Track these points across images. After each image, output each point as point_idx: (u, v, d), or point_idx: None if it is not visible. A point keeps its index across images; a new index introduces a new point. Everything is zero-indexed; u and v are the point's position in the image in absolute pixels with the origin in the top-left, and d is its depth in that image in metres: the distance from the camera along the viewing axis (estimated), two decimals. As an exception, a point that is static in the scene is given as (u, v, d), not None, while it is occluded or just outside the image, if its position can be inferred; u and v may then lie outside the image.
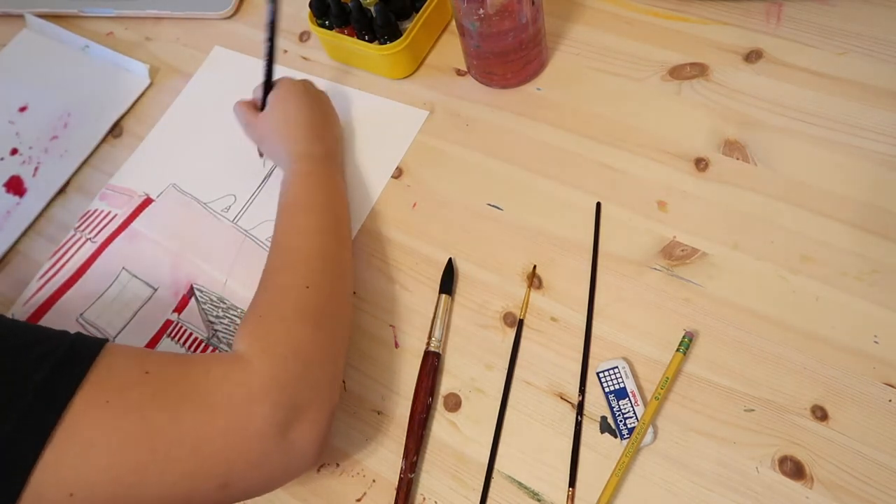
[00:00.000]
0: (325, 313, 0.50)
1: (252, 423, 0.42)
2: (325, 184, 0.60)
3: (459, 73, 0.70)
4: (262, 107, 0.65)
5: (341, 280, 0.55)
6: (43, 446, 0.38)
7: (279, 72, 0.67)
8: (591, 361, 0.53)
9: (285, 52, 0.77)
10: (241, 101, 0.66)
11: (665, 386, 0.50)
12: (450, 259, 0.60)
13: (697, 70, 0.64)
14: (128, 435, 0.40)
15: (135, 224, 0.70)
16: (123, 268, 0.68)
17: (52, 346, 0.41)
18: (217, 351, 0.61)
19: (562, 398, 0.53)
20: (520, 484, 0.51)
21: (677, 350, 0.51)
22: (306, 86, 0.65)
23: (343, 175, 0.65)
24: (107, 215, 0.71)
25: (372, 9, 0.67)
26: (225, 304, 0.63)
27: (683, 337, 0.52)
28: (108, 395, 0.40)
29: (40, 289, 0.68)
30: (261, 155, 0.70)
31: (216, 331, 0.62)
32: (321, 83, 0.71)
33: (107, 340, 0.43)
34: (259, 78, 0.65)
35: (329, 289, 0.52)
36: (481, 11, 0.59)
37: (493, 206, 0.62)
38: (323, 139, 0.63)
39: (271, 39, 0.63)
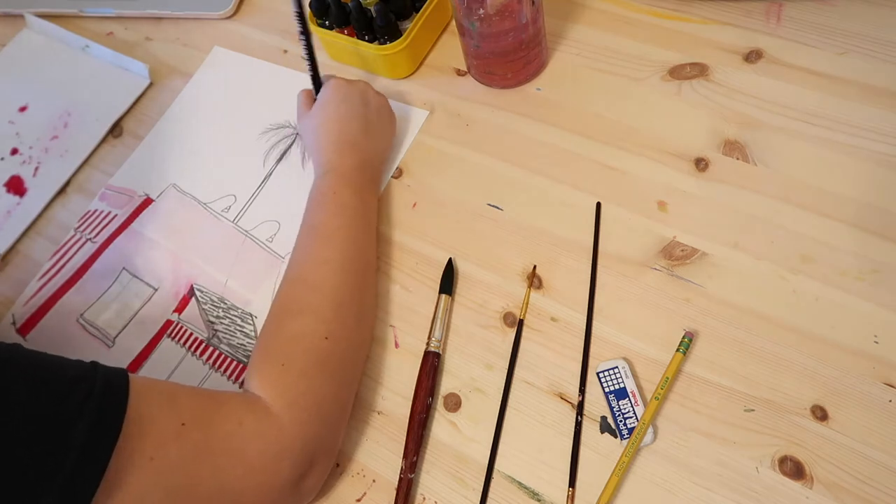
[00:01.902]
0: (344, 367, 0.52)
1: (279, 477, 0.46)
2: (353, 205, 0.58)
3: (459, 73, 0.70)
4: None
5: (361, 323, 0.55)
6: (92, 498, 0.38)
7: (277, 72, 0.67)
8: (591, 361, 0.53)
9: (285, 52, 0.77)
10: (305, 91, 0.66)
11: (665, 386, 0.50)
12: (450, 259, 0.60)
13: (697, 70, 0.64)
14: (174, 490, 0.42)
15: (135, 224, 0.70)
16: (124, 268, 0.68)
17: (78, 388, 0.40)
18: (217, 351, 0.61)
19: (562, 398, 0.53)
20: (520, 484, 0.51)
21: (677, 350, 0.51)
22: (357, 89, 0.63)
23: (377, 191, 0.63)
24: (107, 215, 0.71)
25: (372, 9, 0.67)
26: (225, 304, 0.63)
27: (683, 337, 0.52)
28: (150, 452, 0.41)
29: (40, 289, 0.68)
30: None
31: (216, 331, 0.62)
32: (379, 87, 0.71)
33: (126, 375, 0.43)
34: (259, 78, 0.65)
35: (348, 338, 0.53)
36: (481, 11, 0.59)
37: (493, 206, 0.62)
38: (359, 149, 0.61)
39: (305, 32, 0.62)
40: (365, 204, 0.59)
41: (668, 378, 0.50)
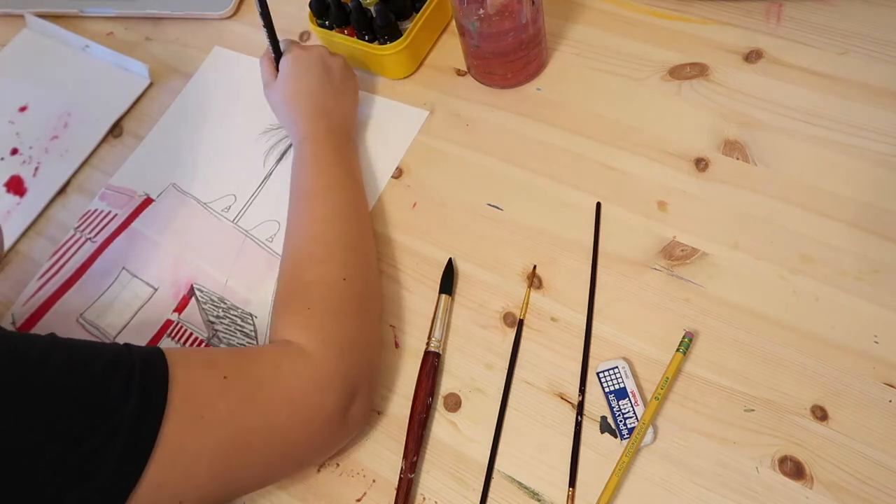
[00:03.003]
0: (365, 301, 0.55)
1: (324, 411, 0.48)
2: (335, 163, 0.60)
3: (459, 73, 0.70)
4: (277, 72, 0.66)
5: (370, 265, 0.58)
6: (145, 467, 0.40)
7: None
8: (591, 361, 0.53)
9: (285, 52, 0.77)
10: (266, 57, 0.67)
11: (665, 386, 0.50)
12: (450, 259, 0.60)
13: (697, 70, 0.64)
14: (228, 440, 0.44)
15: (135, 224, 0.70)
16: (123, 268, 0.68)
17: (118, 370, 0.42)
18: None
19: (562, 398, 0.53)
20: (520, 484, 0.51)
21: (677, 350, 0.51)
22: (317, 54, 0.65)
23: (355, 148, 0.65)
24: (107, 215, 0.71)
25: (372, 9, 0.67)
26: (225, 304, 0.63)
27: (683, 337, 0.52)
28: (200, 411, 0.43)
29: (40, 289, 0.68)
30: None
31: (216, 331, 0.62)
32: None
33: (161, 352, 0.45)
34: (259, 78, 0.65)
35: (363, 277, 0.55)
36: (481, 11, 0.59)
37: (493, 206, 0.62)
38: (330, 114, 0.63)
39: (263, 4, 0.63)
40: (347, 161, 0.62)
41: (668, 378, 0.50)
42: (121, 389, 0.41)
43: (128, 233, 0.69)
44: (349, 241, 0.56)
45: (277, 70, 0.66)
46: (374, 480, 0.53)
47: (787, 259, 0.54)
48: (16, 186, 0.75)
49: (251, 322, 0.62)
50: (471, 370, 0.55)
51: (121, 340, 0.63)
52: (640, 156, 0.61)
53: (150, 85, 0.79)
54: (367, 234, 0.59)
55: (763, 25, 0.64)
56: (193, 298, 0.64)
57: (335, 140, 0.62)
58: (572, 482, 0.50)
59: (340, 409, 0.48)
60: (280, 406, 0.46)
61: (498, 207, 0.62)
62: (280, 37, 0.66)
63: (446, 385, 0.55)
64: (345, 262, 0.55)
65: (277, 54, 0.66)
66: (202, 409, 0.43)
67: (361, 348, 0.52)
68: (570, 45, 0.68)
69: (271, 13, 0.63)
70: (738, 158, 0.59)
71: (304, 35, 0.77)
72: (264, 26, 0.64)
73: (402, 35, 0.67)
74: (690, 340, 0.52)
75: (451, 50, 0.71)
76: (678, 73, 0.64)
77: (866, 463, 0.47)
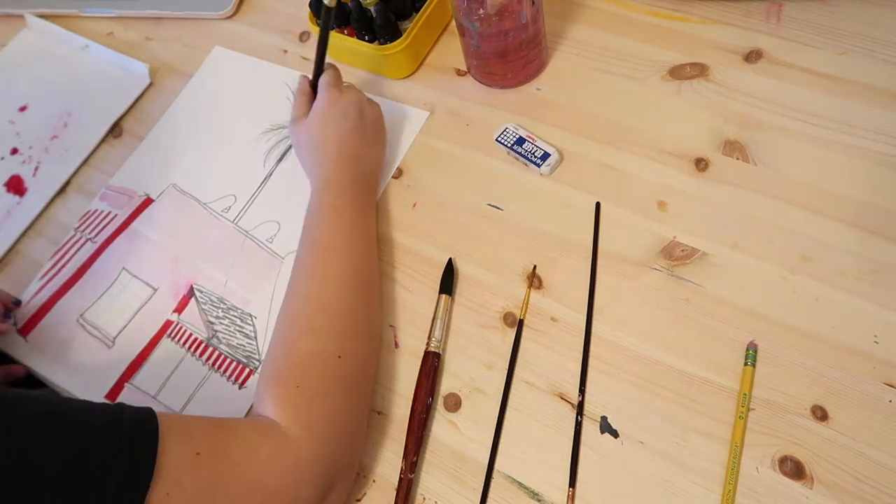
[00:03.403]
0: (358, 382, 0.52)
1: (299, 502, 0.45)
2: (354, 219, 0.58)
3: (459, 73, 0.70)
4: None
5: (370, 339, 0.55)
6: None
7: (277, 72, 0.66)
8: (591, 361, 0.53)
9: (285, 52, 0.77)
10: (302, 91, 0.64)
11: (745, 403, 0.49)
12: (450, 259, 0.60)
13: (697, 70, 0.64)
14: None
15: (135, 224, 0.70)
16: (124, 268, 0.68)
17: (109, 434, 0.41)
18: (217, 351, 0.61)
19: (562, 398, 0.53)
20: (520, 484, 0.51)
21: (745, 364, 0.50)
22: (356, 99, 0.62)
23: (374, 203, 0.63)
24: (107, 215, 0.71)
25: (372, 9, 0.67)
26: (225, 304, 0.63)
27: (748, 349, 0.51)
28: (166, 487, 0.41)
29: (41, 289, 0.68)
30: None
31: (216, 331, 0.62)
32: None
33: (154, 418, 0.43)
34: (259, 78, 0.65)
35: (360, 355, 0.53)
36: (481, 11, 0.59)
37: (493, 206, 0.62)
38: (358, 163, 0.60)
39: (326, 29, 0.60)
40: (365, 216, 0.59)
41: (745, 394, 0.49)
42: (109, 456, 0.40)
43: (128, 233, 0.69)
44: (352, 313, 0.53)
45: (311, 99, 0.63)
46: (374, 480, 0.53)
47: (787, 259, 0.54)
48: (16, 186, 0.75)
49: (251, 322, 0.62)
50: (471, 370, 0.55)
51: (121, 340, 0.63)
52: (640, 156, 0.61)
53: (150, 85, 0.79)
54: (374, 305, 0.57)
55: (763, 25, 0.64)
56: (193, 299, 0.64)
57: (358, 192, 0.60)
58: (572, 482, 0.50)
59: (317, 500, 0.46)
60: (251, 493, 0.44)
61: (498, 207, 0.62)
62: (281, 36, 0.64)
63: (446, 385, 0.55)
64: (343, 336, 0.52)
65: (317, 74, 0.63)
66: (169, 486, 0.41)
67: (347, 434, 0.49)
68: (570, 45, 0.68)
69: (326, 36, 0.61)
70: (738, 158, 0.59)
71: (304, 35, 0.77)
72: (317, 53, 0.62)
73: (402, 35, 0.67)
74: (755, 352, 0.51)
75: (451, 50, 0.71)
76: (678, 73, 0.64)
77: (866, 463, 0.47)
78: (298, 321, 0.53)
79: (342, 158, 0.60)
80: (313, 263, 0.55)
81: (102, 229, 0.70)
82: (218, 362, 0.60)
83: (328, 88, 0.62)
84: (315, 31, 0.70)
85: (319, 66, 0.63)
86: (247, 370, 0.59)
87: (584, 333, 0.54)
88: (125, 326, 0.64)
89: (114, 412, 0.43)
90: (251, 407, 0.52)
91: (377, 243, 0.60)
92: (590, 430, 0.51)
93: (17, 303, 0.66)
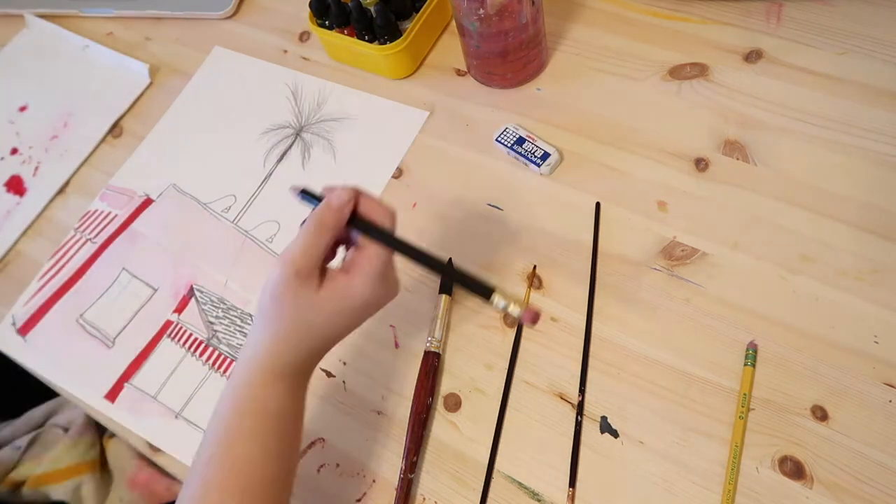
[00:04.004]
0: None
1: None
2: (289, 433, 0.44)
3: (459, 73, 0.70)
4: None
5: None
6: None
7: (277, 72, 0.65)
8: (591, 361, 0.53)
9: (285, 52, 0.77)
10: (322, 220, 0.43)
11: (745, 404, 0.49)
12: (450, 259, 0.60)
13: (697, 70, 0.64)
14: None
15: (135, 224, 0.70)
16: (123, 268, 0.68)
17: None
18: (217, 351, 0.61)
19: (562, 398, 0.53)
20: (520, 484, 0.51)
21: (745, 364, 0.50)
22: (389, 296, 0.46)
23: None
24: (107, 216, 0.71)
25: (372, 9, 0.67)
26: (225, 304, 0.63)
27: (748, 349, 0.51)
28: None
29: (40, 289, 0.68)
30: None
31: (216, 331, 0.62)
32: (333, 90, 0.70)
33: None
34: (259, 78, 0.64)
35: None
36: (481, 11, 0.59)
37: (493, 206, 0.62)
38: (321, 350, 0.45)
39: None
40: (299, 425, 0.45)
41: (745, 395, 0.49)
42: None
43: (128, 233, 0.69)
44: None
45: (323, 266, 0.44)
46: (374, 480, 0.53)
47: (787, 259, 0.54)
48: (16, 186, 0.75)
49: (251, 322, 0.62)
50: (471, 370, 0.55)
51: (121, 340, 0.63)
52: (640, 156, 0.61)
53: (150, 85, 0.79)
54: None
55: (763, 25, 0.64)
56: (193, 299, 0.64)
57: (309, 372, 0.46)
58: (572, 482, 0.50)
59: None
60: None
61: (498, 207, 0.62)
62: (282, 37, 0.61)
63: (446, 385, 0.55)
64: None
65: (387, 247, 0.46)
66: None
67: None
68: (570, 45, 0.68)
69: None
70: (738, 158, 0.59)
71: (304, 35, 0.77)
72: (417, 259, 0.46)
73: (402, 35, 0.67)
74: (755, 352, 0.51)
75: (451, 50, 0.71)
76: (678, 73, 0.64)
77: (866, 463, 0.47)
78: None
79: (323, 350, 0.45)
80: (224, 497, 0.41)
81: (102, 229, 0.70)
82: (218, 362, 0.61)
83: (373, 277, 0.43)
84: (315, 31, 0.70)
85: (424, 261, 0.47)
86: (247, 370, 0.59)
87: (584, 333, 0.54)
88: (125, 326, 0.64)
89: None
90: None
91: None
92: (590, 430, 0.51)
93: None
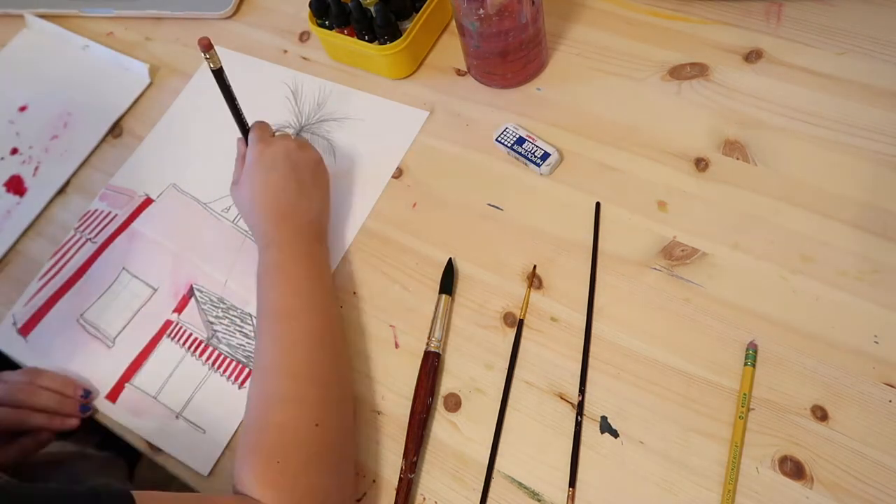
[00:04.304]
0: (340, 449, 0.50)
1: None
2: (303, 275, 0.55)
3: (459, 73, 0.70)
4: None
5: (345, 401, 0.53)
6: None
7: (277, 72, 0.66)
8: (591, 361, 0.53)
9: (285, 52, 0.77)
10: (240, 152, 0.63)
11: (745, 404, 0.49)
12: (450, 259, 0.60)
13: (697, 70, 0.64)
14: None
15: (135, 224, 0.70)
16: (124, 268, 0.68)
17: None
18: (217, 351, 0.61)
19: (562, 398, 0.53)
20: (520, 484, 0.51)
21: (745, 364, 0.50)
22: (282, 148, 0.59)
23: (323, 247, 0.59)
24: (107, 215, 0.71)
25: (372, 9, 0.67)
26: (225, 304, 0.63)
27: (748, 349, 0.51)
28: None
29: (41, 289, 0.68)
30: None
31: (216, 331, 0.62)
32: (319, 84, 0.71)
33: (130, 496, 0.41)
34: (259, 78, 0.65)
35: (338, 419, 0.50)
36: (481, 11, 0.59)
37: (493, 206, 0.62)
38: (296, 215, 0.57)
39: (229, 96, 0.59)
40: (316, 270, 0.56)
41: (745, 395, 0.49)
42: None
43: (128, 233, 0.69)
44: (322, 375, 0.51)
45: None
46: (374, 480, 0.53)
47: (787, 259, 0.54)
48: (16, 186, 0.75)
49: (250, 322, 0.62)
50: (471, 370, 0.55)
51: (121, 340, 0.63)
52: (640, 156, 0.61)
53: (150, 85, 0.79)
54: (343, 364, 0.54)
55: (763, 25, 0.64)
56: (193, 299, 0.64)
57: (302, 246, 0.56)
58: (572, 482, 0.50)
59: None
60: None
61: (498, 207, 0.62)
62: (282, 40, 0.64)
63: (446, 385, 0.55)
64: (318, 402, 0.49)
65: (244, 132, 0.62)
66: None
67: None
68: (570, 45, 0.68)
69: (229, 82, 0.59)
70: (738, 158, 0.59)
71: (304, 35, 0.77)
72: (233, 114, 0.60)
73: (402, 35, 0.67)
74: (755, 352, 0.51)
75: (451, 50, 0.71)
76: (678, 73, 0.64)
77: (866, 463, 0.47)
78: (268, 393, 0.50)
79: (277, 213, 0.57)
80: (272, 330, 0.53)
81: (102, 229, 0.70)
82: (218, 362, 0.61)
83: (253, 143, 0.60)
84: (315, 31, 0.70)
85: (243, 125, 0.61)
86: (247, 370, 0.59)
87: (584, 333, 0.54)
88: (125, 326, 0.64)
89: (89, 500, 0.41)
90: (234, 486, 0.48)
91: (336, 296, 0.58)
92: (590, 430, 0.51)
93: (87, 395, 0.60)
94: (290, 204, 0.58)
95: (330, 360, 0.53)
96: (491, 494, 0.51)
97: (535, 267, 0.58)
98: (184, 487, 0.57)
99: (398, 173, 0.66)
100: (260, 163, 0.59)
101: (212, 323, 0.62)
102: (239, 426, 0.57)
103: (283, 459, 0.46)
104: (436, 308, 0.57)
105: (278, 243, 0.56)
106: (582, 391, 0.52)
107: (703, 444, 0.49)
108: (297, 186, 0.58)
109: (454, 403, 0.55)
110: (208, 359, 0.61)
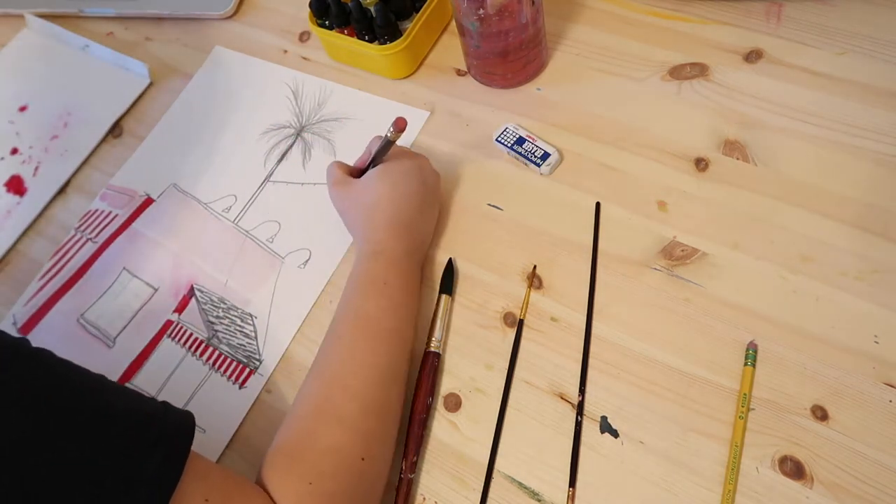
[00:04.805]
0: (374, 488, 0.49)
1: None
2: (402, 302, 0.54)
3: (459, 73, 0.70)
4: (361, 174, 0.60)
5: (392, 446, 0.51)
6: None
7: (277, 72, 0.66)
8: (591, 361, 0.53)
9: (285, 52, 0.77)
10: (338, 162, 0.61)
11: (745, 404, 0.49)
12: (450, 259, 0.60)
13: (697, 70, 0.64)
14: None
15: (135, 224, 0.70)
16: (124, 268, 0.68)
17: (150, 428, 0.41)
18: (217, 351, 0.61)
19: (562, 398, 0.53)
20: (520, 484, 0.51)
21: (745, 364, 0.50)
22: (418, 165, 0.58)
23: (420, 277, 0.58)
24: (107, 215, 0.71)
25: (372, 9, 0.67)
26: (225, 304, 0.63)
27: (748, 349, 0.51)
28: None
29: (41, 289, 0.68)
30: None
31: (216, 331, 0.62)
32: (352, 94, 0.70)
33: (191, 423, 0.43)
34: (259, 78, 0.65)
35: (381, 457, 0.49)
36: (481, 11, 0.59)
37: (493, 206, 0.62)
38: (409, 234, 0.56)
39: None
40: (414, 296, 0.55)
41: (745, 394, 0.49)
42: (148, 449, 0.40)
43: (128, 233, 0.69)
44: (385, 409, 0.49)
45: (356, 174, 0.60)
46: (374, 480, 0.53)
47: (787, 259, 0.54)
48: (16, 186, 0.75)
49: (251, 322, 0.62)
50: (471, 370, 0.55)
51: (121, 340, 0.64)
52: (640, 156, 0.61)
53: (150, 85, 0.79)
54: (401, 403, 0.52)
55: (763, 25, 0.64)
56: (193, 299, 0.64)
57: (410, 266, 0.56)
58: (572, 482, 0.50)
59: None
60: None
61: (498, 207, 0.62)
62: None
63: (446, 385, 0.55)
64: (372, 436, 0.48)
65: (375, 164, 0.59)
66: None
67: None
68: (570, 45, 0.68)
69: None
70: (738, 158, 0.59)
71: (304, 35, 0.77)
72: (383, 145, 0.57)
73: (402, 35, 0.67)
74: (755, 352, 0.51)
75: (451, 50, 0.71)
76: (678, 73, 0.64)
77: (866, 463, 0.47)
78: (325, 407, 0.48)
79: (399, 224, 0.55)
80: (353, 342, 0.51)
81: (103, 229, 0.70)
82: (218, 362, 0.61)
83: (398, 150, 0.58)
84: (315, 31, 0.70)
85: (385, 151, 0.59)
86: (247, 370, 0.60)
87: (584, 333, 0.54)
88: (125, 326, 0.64)
89: (158, 406, 0.43)
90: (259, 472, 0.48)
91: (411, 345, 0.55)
92: (590, 430, 0.51)
93: None
94: (411, 218, 0.56)
95: (397, 396, 0.51)
96: (491, 494, 0.51)
97: (535, 267, 0.58)
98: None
99: (398, 173, 0.66)
100: (398, 168, 0.56)
101: (212, 323, 0.63)
102: (239, 426, 0.57)
103: (315, 483, 0.45)
104: (436, 308, 0.57)
105: (389, 256, 0.54)
106: (582, 391, 0.52)
107: (703, 444, 0.49)
108: (421, 204, 0.57)
109: (454, 403, 0.55)
110: (209, 359, 0.61)
